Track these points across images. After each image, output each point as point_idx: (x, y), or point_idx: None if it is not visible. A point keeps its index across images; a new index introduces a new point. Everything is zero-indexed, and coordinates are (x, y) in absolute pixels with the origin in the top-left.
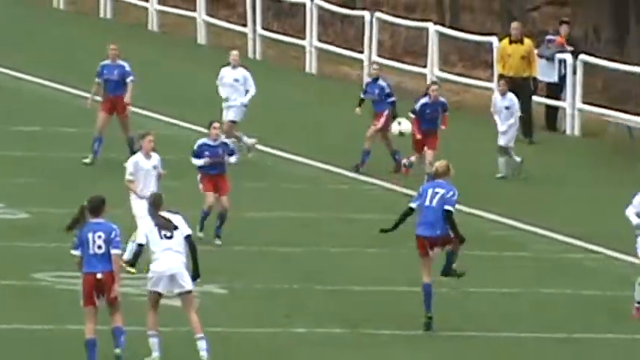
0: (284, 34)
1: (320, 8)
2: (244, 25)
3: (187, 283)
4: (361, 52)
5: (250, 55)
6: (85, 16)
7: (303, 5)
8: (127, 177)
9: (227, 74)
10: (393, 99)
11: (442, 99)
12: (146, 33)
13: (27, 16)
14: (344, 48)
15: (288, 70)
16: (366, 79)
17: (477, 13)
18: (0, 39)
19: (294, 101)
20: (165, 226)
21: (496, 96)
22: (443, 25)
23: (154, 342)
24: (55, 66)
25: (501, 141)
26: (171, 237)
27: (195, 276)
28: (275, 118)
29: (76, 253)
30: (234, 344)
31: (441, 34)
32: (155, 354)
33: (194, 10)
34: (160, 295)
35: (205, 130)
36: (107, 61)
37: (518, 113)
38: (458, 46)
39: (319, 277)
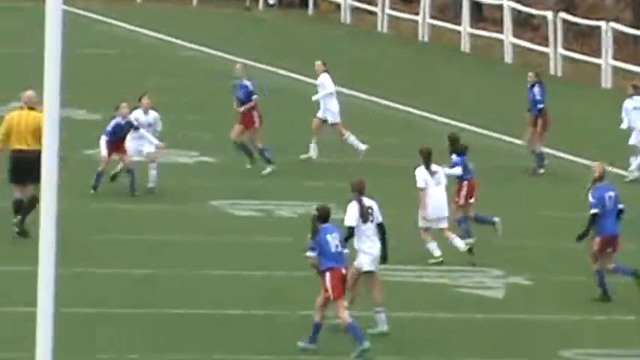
0: (582, 53)
1: (614, 30)
2: (547, 46)
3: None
4: None
5: (552, 72)
6: (405, 39)
7: (599, 27)
8: (420, 185)
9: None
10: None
11: None
12: (459, 54)
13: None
14: (636, 65)
15: (585, 86)
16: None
17: None
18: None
19: (589, 114)
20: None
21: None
22: None
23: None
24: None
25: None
26: (372, 221)
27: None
28: (574, 128)
29: (312, 254)
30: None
31: None
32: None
33: (502, 33)
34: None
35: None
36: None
37: None
38: None
39: None
